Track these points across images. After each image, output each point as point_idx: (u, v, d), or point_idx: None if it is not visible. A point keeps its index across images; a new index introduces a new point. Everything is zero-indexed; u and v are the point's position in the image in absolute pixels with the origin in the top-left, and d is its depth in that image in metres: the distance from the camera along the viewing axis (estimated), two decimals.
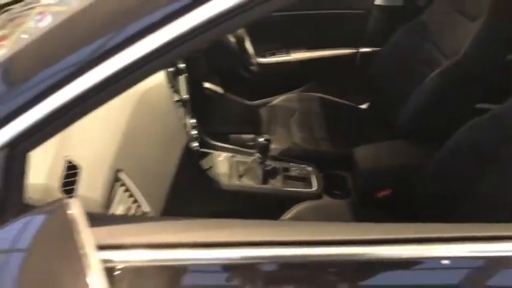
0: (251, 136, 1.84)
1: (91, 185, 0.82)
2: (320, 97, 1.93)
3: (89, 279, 0.46)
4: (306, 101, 1.91)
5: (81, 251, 0.48)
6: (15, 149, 0.63)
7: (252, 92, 1.98)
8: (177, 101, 1.27)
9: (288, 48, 2.01)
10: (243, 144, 1.73)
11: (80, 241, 0.49)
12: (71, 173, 0.82)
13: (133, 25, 0.61)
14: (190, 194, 1.20)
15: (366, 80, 1.87)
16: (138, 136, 0.99)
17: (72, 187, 0.80)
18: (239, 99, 1.93)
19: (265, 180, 1.48)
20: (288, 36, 1.93)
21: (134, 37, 0.61)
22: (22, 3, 1.40)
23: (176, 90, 1.29)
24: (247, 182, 1.47)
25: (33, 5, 1.34)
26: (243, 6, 0.61)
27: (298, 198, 1.42)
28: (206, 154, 1.54)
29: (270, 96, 1.97)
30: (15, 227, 0.54)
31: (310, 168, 1.56)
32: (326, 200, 1.49)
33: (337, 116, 1.86)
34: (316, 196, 1.48)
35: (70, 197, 0.78)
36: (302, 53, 2.03)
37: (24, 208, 0.68)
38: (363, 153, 1.46)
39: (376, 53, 1.93)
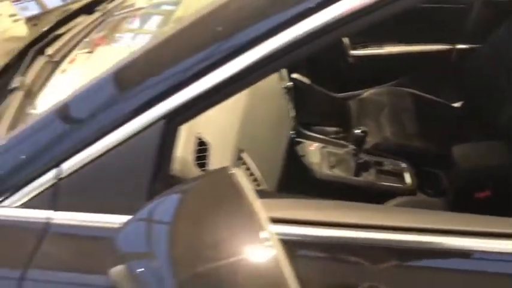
0: (334, 128, 1.87)
1: (219, 161, 0.88)
2: (411, 93, 1.91)
3: (262, 234, 0.51)
4: (396, 96, 1.90)
5: (253, 213, 0.53)
6: (170, 121, 0.70)
7: (340, 84, 1.99)
8: (283, 87, 1.32)
9: (381, 41, 2.01)
10: (326, 135, 1.75)
11: (250, 205, 0.54)
12: (201, 148, 0.88)
13: (266, 22, 0.66)
14: (290, 179, 1.25)
15: (461, 77, 1.83)
16: (254, 118, 1.04)
17: (203, 161, 0.86)
18: (325, 91, 1.95)
19: (357, 173, 1.50)
20: (382, 29, 1.93)
21: (267, 34, 0.66)
22: (118, 7, 1.51)
23: (282, 78, 1.34)
24: (340, 173, 1.50)
25: (128, 9, 1.44)
26: (372, 6, 0.64)
27: (391, 193, 1.44)
28: (298, 143, 1.58)
29: (358, 89, 1.98)
30: (184, 192, 0.60)
31: (403, 164, 1.57)
32: (421, 196, 1.49)
33: (429, 113, 1.84)
34: (409, 192, 1.48)
35: (203, 170, 0.85)
36: (395, 47, 2.02)
37: (171, 178, 0.75)
38: (463, 152, 1.45)
39: (474, 50, 1.89)
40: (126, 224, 0.61)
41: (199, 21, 0.72)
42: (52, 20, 1.56)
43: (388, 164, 1.56)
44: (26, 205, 0.76)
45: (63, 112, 0.75)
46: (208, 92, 0.69)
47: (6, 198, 0.76)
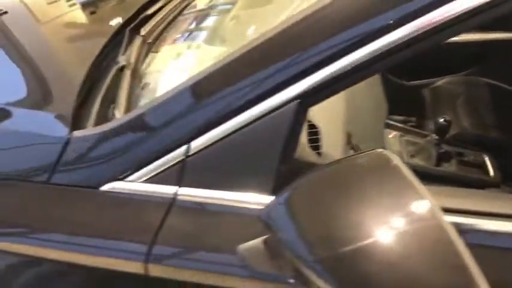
0: (404, 117, 1.85)
1: (331, 145, 0.90)
2: (488, 82, 1.88)
3: (429, 206, 0.53)
4: (471, 86, 1.87)
5: (416, 188, 0.55)
6: (304, 102, 0.72)
7: (410, 72, 1.97)
8: None
9: None
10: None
11: (410, 181, 0.55)
12: (312, 131, 0.90)
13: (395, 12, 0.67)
14: None
15: None
16: (356, 103, 1.05)
17: (316, 144, 0.88)
18: (396, 79, 1.94)
19: (438, 163, 1.49)
20: None
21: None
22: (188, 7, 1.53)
23: None
24: (421, 163, 1.49)
25: (191, 10, 1.47)
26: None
27: (474, 185, 1.42)
28: None
29: (429, 78, 1.96)
30: (331, 172, 0.62)
31: (485, 156, 1.55)
32: (505, 189, 1.47)
33: (507, 103, 1.80)
34: (493, 185, 1.46)
35: (318, 153, 0.87)
36: (471, 35, 1.98)
37: (293, 160, 0.77)
38: None
39: None
40: (273, 202, 0.63)
41: (332, 4, 0.73)
42: (110, 8, 1.60)
43: (469, 155, 1.55)
44: (151, 180, 0.80)
45: (194, 90, 0.78)
46: (341, 75, 0.70)
47: (132, 173, 0.80)
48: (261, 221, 0.62)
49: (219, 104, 0.75)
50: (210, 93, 0.76)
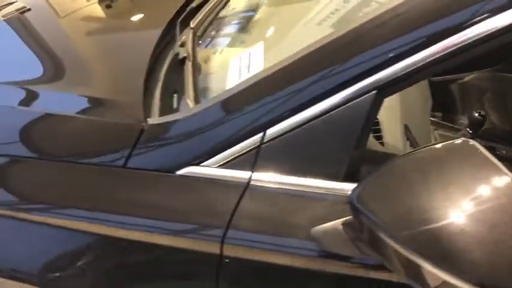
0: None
1: (391, 136, 0.95)
2: None
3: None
4: (499, 82, 1.92)
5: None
6: (380, 92, 0.76)
7: None
8: None
9: None
10: None
11: (497, 166, 0.60)
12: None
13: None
14: None
15: None
16: (407, 97, 1.10)
17: (378, 134, 0.93)
18: None
19: None
20: None
21: None
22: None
23: None
24: None
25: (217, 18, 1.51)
26: None
27: None
28: None
29: (457, 73, 2.00)
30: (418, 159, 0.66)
31: None
32: None
33: None
34: None
35: (381, 143, 0.91)
36: None
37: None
38: None
39: None
40: (361, 185, 0.68)
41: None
42: (126, 1, 1.64)
43: (501, 150, 1.59)
44: (225, 166, 0.84)
45: (271, 80, 0.82)
46: (418, 68, 0.75)
47: (207, 159, 0.85)
48: (350, 203, 0.67)
49: (296, 93, 0.80)
50: (287, 83, 0.81)
